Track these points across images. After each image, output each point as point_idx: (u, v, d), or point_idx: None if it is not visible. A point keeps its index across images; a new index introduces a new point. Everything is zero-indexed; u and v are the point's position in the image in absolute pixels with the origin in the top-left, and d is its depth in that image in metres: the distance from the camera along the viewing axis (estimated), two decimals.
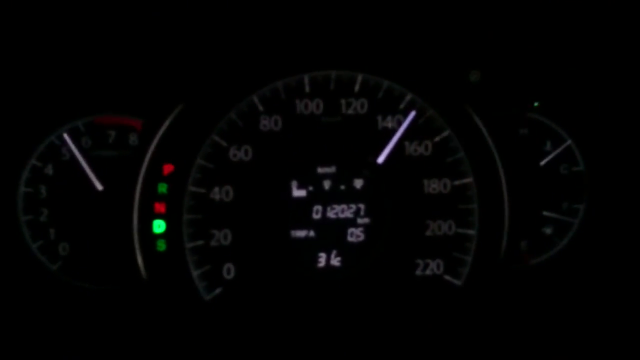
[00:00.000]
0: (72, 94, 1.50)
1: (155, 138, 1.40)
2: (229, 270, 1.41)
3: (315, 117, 1.44)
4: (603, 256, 1.56)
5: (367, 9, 1.40)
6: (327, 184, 1.44)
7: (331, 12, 1.40)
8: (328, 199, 1.43)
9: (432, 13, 1.43)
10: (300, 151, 1.44)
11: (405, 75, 1.44)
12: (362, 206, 1.44)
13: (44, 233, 1.50)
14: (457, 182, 1.44)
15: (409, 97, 1.44)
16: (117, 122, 1.51)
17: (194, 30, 1.42)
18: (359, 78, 1.44)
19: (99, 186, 1.50)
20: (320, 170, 1.44)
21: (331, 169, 1.44)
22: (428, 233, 1.44)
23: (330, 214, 1.43)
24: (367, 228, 1.44)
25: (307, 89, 1.44)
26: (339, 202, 1.43)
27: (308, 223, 1.43)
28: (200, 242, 1.41)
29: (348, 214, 1.43)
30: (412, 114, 1.43)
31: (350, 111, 1.44)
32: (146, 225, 1.40)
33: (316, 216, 1.43)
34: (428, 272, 1.44)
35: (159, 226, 1.40)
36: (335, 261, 1.43)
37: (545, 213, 1.58)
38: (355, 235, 1.44)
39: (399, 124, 1.44)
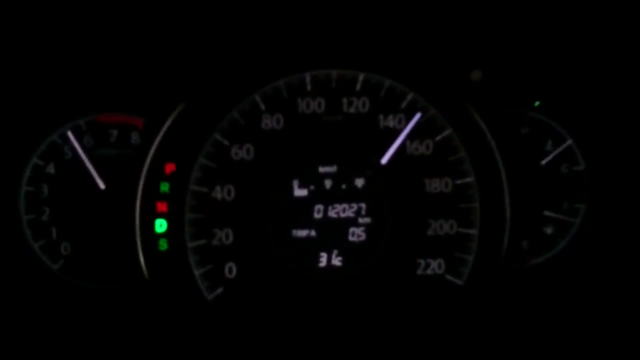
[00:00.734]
0: (74, 92, 1.50)
1: (157, 137, 1.40)
2: (230, 270, 1.42)
3: (317, 116, 1.44)
4: (604, 256, 1.56)
5: (369, 7, 1.40)
6: (328, 183, 1.44)
7: (333, 11, 1.40)
8: (329, 198, 1.44)
9: (434, 12, 1.43)
10: (301, 150, 1.44)
11: (406, 74, 1.44)
12: (363, 205, 1.44)
13: (46, 232, 1.50)
14: (458, 182, 1.44)
15: (410, 96, 1.44)
16: (119, 121, 1.51)
17: (195, 29, 1.42)
18: (361, 77, 1.44)
19: (102, 185, 1.49)
20: (321, 169, 1.44)
21: (332, 168, 1.44)
22: (429, 232, 1.44)
23: (332, 214, 1.43)
24: (368, 227, 1.44)
25: (308, 87, 1.44)
26: (341, 202, 1.43)
27: (309, 222, 1.43)
28: (202, 242, 1.41)
29: (349, 213, 1.44)
30: (418, 115, 1.43)
31: (351, 110, 1.44)
32: (148, 225, 1.40)
33: (317, 215, 1.43)
34: (429, 271, 1.44)
35: (161, 225, 1.40)
36: (337, 261, 1.43)
37: (546, 212, 1.58)
38: (356, 234, 1.44)
39: (401, 123, 1.44)
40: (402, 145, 1.43)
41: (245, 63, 1.43)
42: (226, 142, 1.42)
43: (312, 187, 1.43)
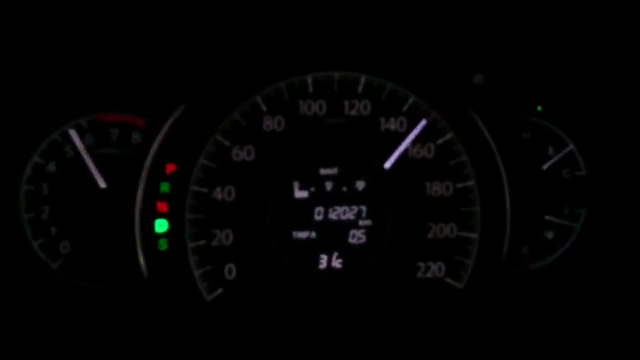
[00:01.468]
0: (75, 91, 1.49)
1: (158, 137, 1.40)
2: (230, 271, 1.41)
3: (318, 118, 1.44)
4: (605, 261, 1.56)
5: (371, 10, 1.40)
6: (329, 186, 1.43)
7: (335, 13, 1.40)
8: (330, 200, 1.43)
9: (436, 15, 1.43)
10: (302, 152, 1.44)
11: (408, 77, 1.44)
12: (364, 208, 1.43)
13: (45, 231, 1.49)
14: (459, 185, 1.44)
15: (412, 99, 1.44)
16: (120, 120, 1.51)
17: (197, 29, 1.42)
18: (362, 79, 1.44)
19: (102, 184, 1.49)
20: (322, 171, 1.43)
21: (333, 171, 1.44)
22: (430, 236, 1.44)
23: (332, 216, 1.43)
24: (368, 230, 1.43)
25: (310, 89, 1.44)
26: (341, 204, 1.43)
27: (310, 224, 1.43)
28: (202, 242, 1.41)
29: (350, 215, 1.43)
30: (423, 122, 1.43)
31: (353, 112, 1.44)
32: (148, 224, 1.39)
33: (318, 217, 1.43)
34: (429, 274, 1.43)
35: (161, 225, 1.40)
36: (337, 263, 1.43)
37: (547, 217, 1.58)
38: (356, 237, 1.43)
39: (402, 126, 1.44)
40: (404, 149, 1.43)
41: (246, 64, 1.43)
42: (227, 143, 1.42)
43: (312, 189, 1.43)
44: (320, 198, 1.43)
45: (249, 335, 1.40)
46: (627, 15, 1.41)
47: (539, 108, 1.60)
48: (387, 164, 1.43)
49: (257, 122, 1.43)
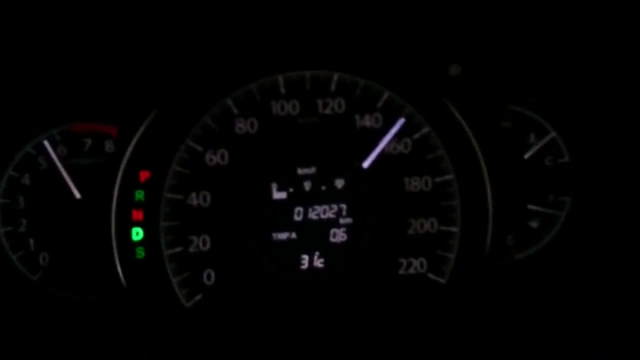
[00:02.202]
0: (47, 103, 1.49)
1: (131, 145, 1.39)
2: (209, 276, 1.40)
3: (291, 118, 1.42)
4: (590, 249, 1.54)
5: (340, 6, 1.38)
6: (307, 185, 1.42)
7: (303, 11, 1.39)
8: (309, 200, 1.42)
9: (408, 7, 1.41)
10: (278, 153, 1.42)
11: (381, 72, 1.43)
12: (343, 206, 1.42)
13: (24, 244, 1.49)
14: (438, 179, 1.43)
15: (386, 95, 1.43)
16: (92, 130, 1.49)
17: (165, 34, 1.41)
18: (335, 77, 1.42)
19: (77, 194, 1.48)
20: (300, 171, 1.42)
21: (311, 170, 1.42)
22: (410, 231, 1.43)
23: (312, 215, 1.42)
24: (349, 228, 1.42)
25: (282, 90, 1.42)
26: (321, 203, 1.42)
27: (290, 225, 1.42)
28: (179, 249, 1.40)
29: (330, 214, 1.42)
30: (401, 120, 1.42)
31: (327, 111, 1.43)
32: (124, 233, 1.39)
33: (297, 218, 1.42)
34: (412, 270, 1.42)
35: (137, 234, 1.39)
36: (319, 262, 1.42)
37: (530, 207, 1.56)
38: (337, 235, 1.42)
39: (378, 122, 1.42)
40: (382, 148, 1.42)
41: (215, 67, 1.41)
42: (200, 148, 1.41)
43: (291, 190, 1.42)
44: (299, 198, 1.42)
45: (231, 341, 1.40)
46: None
47: (531, 99, 1.57)
48: (366, 164, 1.41)
49: (229, 126, 1.41)
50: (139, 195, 1.40)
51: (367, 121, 1.43)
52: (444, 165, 1.43)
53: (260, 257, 1.41)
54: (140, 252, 1.39)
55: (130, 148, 1.39)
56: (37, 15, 1.34)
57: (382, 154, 1.42)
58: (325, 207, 1.42)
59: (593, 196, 1.56)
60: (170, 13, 1.35)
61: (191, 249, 1.40)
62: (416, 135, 1.43)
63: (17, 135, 1.49)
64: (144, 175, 1.40)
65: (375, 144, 1.42)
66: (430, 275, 1.42)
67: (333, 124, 1.43)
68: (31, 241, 1.49)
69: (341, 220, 1.42)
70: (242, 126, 1.42)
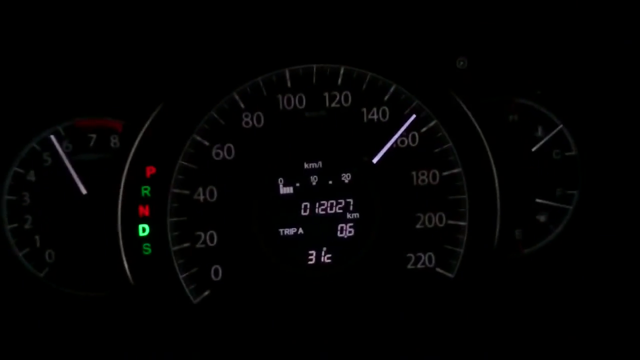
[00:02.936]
0: (52, 98, 1.47)
1: (137, 140, 1.38)
2: (216, 272, 1.40)
3: (298, 112, 1.42)
4: (599, 242, 1.53)
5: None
6: (314, 180, 1.42)
7: (309, 5, 1.38)
8: (316, 195, 1.42)
9: (415, 0, 1.40)
10: (285, 147, 1.42)
11: (388, 65, 1.42)
12: (351, 201, 1.42)
13: (30, 240, 1.48)
14: (446, 173, 1.42)
15: (393, 88, 1.42)
16: (98, 125, 1.48)
17: (171, 29, 1.40)
18: (342, 70, 1.41)
19: (83, 190, 1.47)
20: (306, 166, 1.42)
21: (318, 165, 1.42)
22: (418, 226, 1.42)
23: (319, 210, 1.41)
24: (356, 223, 1.42)
25: (288, 83, 1.41)
26: (328, 198, 1.42)
27: (297, 220, 1.41)
28: (186, 245, 1.39)
29: (337, 209, 1.42)
30: (412, 117, 1.41)
31: (334, 104, 1.42)
32: (131, 229, 1.38)
33: (305, 213, 1.41)
34: (420, 265, 1.42)
35: (144, 229, 1.39)
36: (326, 258, 1.42)
37: (538, 200, 1.55)
38: (345, 230, 1.42)
39: (385, 116, 1.41)
40: (388, 139, 1.41)
41: (222, 61, 1.41)
42: (206, 143, 1.40)
43: (297, 185, 1.41)
44: (306, 193, 1.41)
45: (238, 337, 1.39)
46: None
47: (539, 92, 1.56)
48: (375, 159, 1.40)
49: (236, 120, 1.40)
50: (145, 190, 1.39)
51: (374, 115, 1.42)
52: (451, 158, 1.42)
53: (268, 252, 1.41)
54: (147, 248, 1.39)
55: (136, 143, 1.39)
56: (43, 11, 1.33)
57: (389, 148, 1.41)
58: (332, 202, 1.42)
59: (601, 189, 1.55)
60: (176, 7, 1.34)
61: (198, 245, 1.39)
62: (423, 129, 1.42)
63: (22, 132, 1.48)
64: (150, 170, 1.39)
65: (383, 138, 1.41)
66: (439, 270, 1.42)
67: (340, 118, 1.42)
68: (37, 238, 1.48)
69: (348, 215, 1.42)
70: (248, 120, 1.41)
